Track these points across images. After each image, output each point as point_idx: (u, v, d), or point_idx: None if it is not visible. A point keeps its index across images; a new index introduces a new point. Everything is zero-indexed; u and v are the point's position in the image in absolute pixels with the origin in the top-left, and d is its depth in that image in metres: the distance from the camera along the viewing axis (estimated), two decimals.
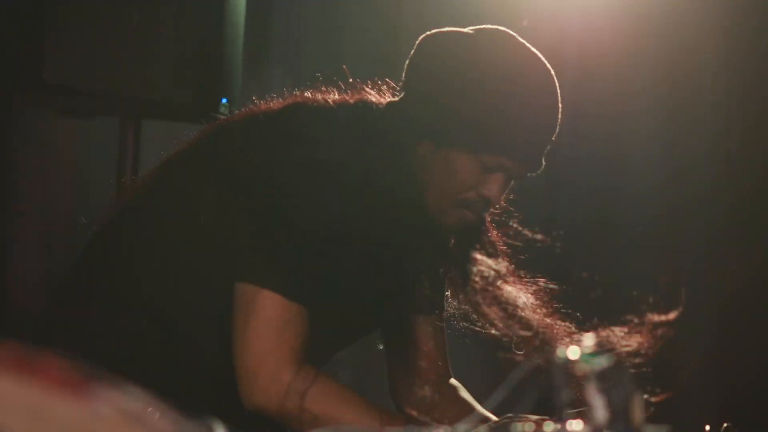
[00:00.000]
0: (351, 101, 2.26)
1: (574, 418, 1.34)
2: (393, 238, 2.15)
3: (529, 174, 2.22)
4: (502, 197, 2.23)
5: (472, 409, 2.37)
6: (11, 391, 0.87)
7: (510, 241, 2.31)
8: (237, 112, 2.34)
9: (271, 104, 2.28)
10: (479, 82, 2.15)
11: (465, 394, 2.44)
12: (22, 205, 3.38)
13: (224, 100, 3.20)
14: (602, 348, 1.32)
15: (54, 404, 0.88)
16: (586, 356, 1.31)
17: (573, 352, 1.31)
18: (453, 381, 2.47)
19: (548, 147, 2.19)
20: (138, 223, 2.24)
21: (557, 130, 2.20)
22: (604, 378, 1.30)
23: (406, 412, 2.07)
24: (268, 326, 2.07)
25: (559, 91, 2.20)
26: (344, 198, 2.11)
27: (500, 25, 2.22)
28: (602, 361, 1.30)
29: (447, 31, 2.23)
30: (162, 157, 2.31)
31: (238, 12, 3.35)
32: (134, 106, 3.27)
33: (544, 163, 2.20)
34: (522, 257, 2.28)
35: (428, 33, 2.24)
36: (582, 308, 2.22)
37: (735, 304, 3.87)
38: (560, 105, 2.20)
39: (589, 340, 1.33)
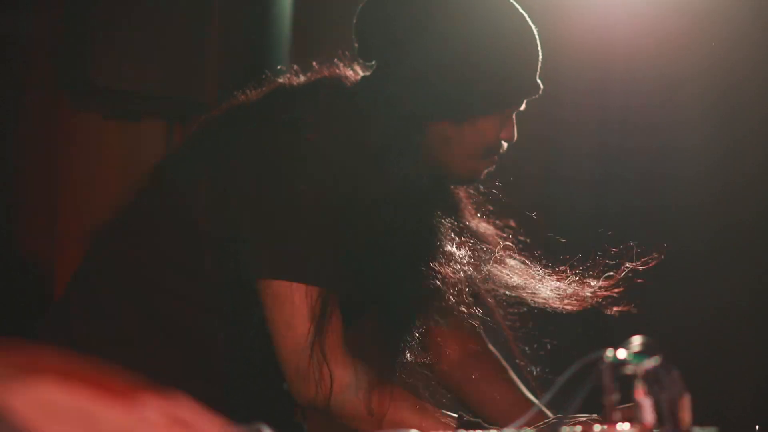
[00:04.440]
0: (327, 75, 2.24)
1: (623, 419, 1.33)
2: (403, 219, 2.13)
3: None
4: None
5: (512, 389, 2.38)
6: (58, 399, 0.87)
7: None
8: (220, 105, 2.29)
9: (251, 93, 2.26)
10: (474, 43, 2.14)
11: (505, 371, 2.44)
12: (69, 208, 3.41)
13: None
14: (649, 349, 1.31)
15: (101, 411, 0.88)
16: (633, 356, 1.30)
17: (621, 353, 1.30)
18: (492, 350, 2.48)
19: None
20: (137, 226, 2.21)
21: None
22: (652, 378, 1.29)
23: (459, 413, 2.05)
24: (302, 318, 2.04)
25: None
26: (343, 182, 2.07)
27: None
28: (650, 362, 1.29)
29: None
30: (156, 160, 2.30)
31: (284, 11, 3.35)
32: (181, 107, 3.29)
33: (542, 85, 2.21)
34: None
35: None
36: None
37: None
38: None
39: (636, 340, 1.32)
